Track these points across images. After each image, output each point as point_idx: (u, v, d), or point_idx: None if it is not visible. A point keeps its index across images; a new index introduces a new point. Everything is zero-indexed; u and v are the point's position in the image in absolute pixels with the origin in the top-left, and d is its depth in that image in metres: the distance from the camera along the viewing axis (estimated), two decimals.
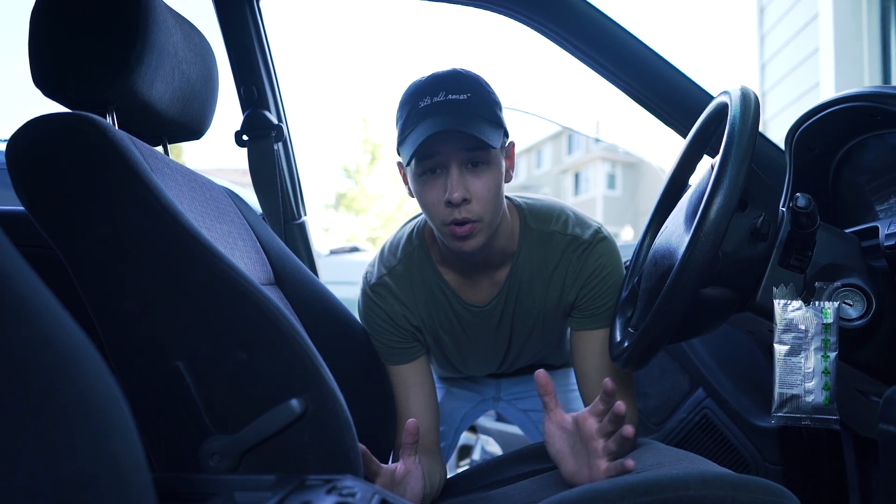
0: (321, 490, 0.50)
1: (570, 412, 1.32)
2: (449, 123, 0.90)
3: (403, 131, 0.95)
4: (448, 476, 1.12)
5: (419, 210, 1.05)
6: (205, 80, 0.97)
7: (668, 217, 0.95)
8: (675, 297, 0.75)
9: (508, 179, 1.02)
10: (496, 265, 1.07)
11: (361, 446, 0.83)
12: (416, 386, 1.10)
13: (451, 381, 1.41)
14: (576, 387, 1.35)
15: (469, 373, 1.31)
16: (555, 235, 1.06)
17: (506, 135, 0.99)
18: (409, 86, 0.98)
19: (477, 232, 0.95)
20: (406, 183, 1.03)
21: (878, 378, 0.82)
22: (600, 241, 1.05)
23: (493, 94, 0.98)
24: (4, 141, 0.76)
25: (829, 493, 1.23)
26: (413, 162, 0.94)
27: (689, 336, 0.93)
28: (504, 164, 0.99)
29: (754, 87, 1.12)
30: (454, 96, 0.93)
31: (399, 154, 0.99)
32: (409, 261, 1.09)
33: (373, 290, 1.09)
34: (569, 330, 1.18)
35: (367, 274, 1.12)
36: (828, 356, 0.77)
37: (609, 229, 1.11)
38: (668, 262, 0.83)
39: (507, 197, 1.09)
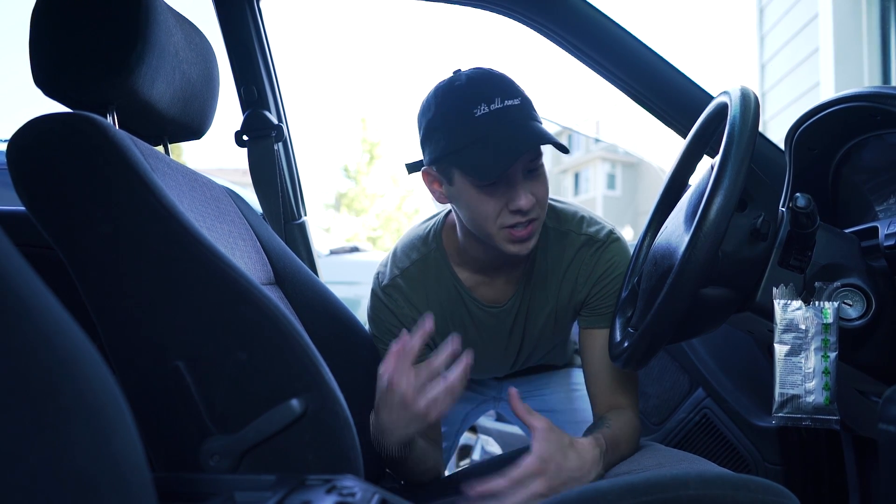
0: (321, 490, 0.50)
1: (574, 411, 1.33)
2: (528, 137, 0.88)
3: (456, 141, 0.91)
4: (448, 475, 1.12)
5: (425, 212, 1.04)
6: (205, 80, 0.97)
7: (667, 217, 0.95)
8: (675, 297, 0.75)
9: None
10: (514, 263, 1.07)
11: None
12: None
13: None
14: (578, 386, 1.35)
15: (476, 377, 1.31)
16: (569, 234, 1.07)
17: None
18: (446, 91, 0.93)
19: (535, 232, 0.96)
20: (435, 188, 1.00)
21: (878, 378, 0.82)
22: (614, 242, 1.06)
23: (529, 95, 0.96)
24: (5, 141, 0.76)
25: (829, 493, 1.23)
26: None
27: (689, 336, 0.93)
28: None
29: (754, 87, 1.12)
30: (510, 101, 0.90)
31: (440, 162, 0.95)
32: (423, 263, 1.08)
33: (384, 292, 1.09)
34: (574, 330, 1.18)
35: (378, 274, 1.11)
36: (828, 356, 0.77)
37: None
38: (667, 262, 0.83)
39: None
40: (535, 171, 0.94)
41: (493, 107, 0.89)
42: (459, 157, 0.91)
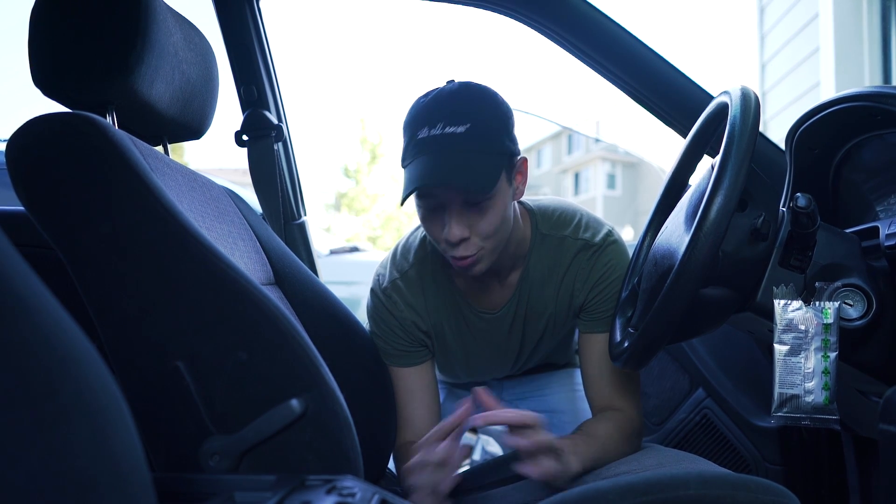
0: (321, 490, 0.50)
1: (576, 411, 1.33)
2: (439, 172, 0.87)
3: (404, 159, 0.93)
4: None
5: None
6: (205, 80, 0.97)
7: (668, 217, 0.95)
8: (675, 297, 0.74)
9: (519, 195, 1.00)
10: (508, 270, 1.07)
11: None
12: (418, 391, 1.10)
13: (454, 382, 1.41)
14: (580, 386, 1.35)
15: (476, 378, 1.31)
16: (566, 240, 1.06)
17: (514, 155, 0.94)
18: (414, 103, 0.95)
19: (479, 260, 0.95)
20: None
21: (878, 378, 0.82)
22: (611, 245, 1.05)
23: (499, 117, 0.92)
24: (4, 141, 0.76)
25: (829, 494, 1.23)
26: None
27: (689, 336, 0.93)
28: (515, 182, 0.96)
29: (754, 87, 1.13)
30: (452, 129, 0.89)
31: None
32: (421, 266, 1.09)
33: (384, 294, 1.09)
34: (576, 332, 1.18)
35: (378, 276, 1.11)
36: (828, 356, 0.77)
37: None
38: (668, 262, 0.83)
39: (517, 202, 1.07)
40: (478, 205, 0.91)
41: (433, 132, 0.89)
42: (404, 173, 0.94)
